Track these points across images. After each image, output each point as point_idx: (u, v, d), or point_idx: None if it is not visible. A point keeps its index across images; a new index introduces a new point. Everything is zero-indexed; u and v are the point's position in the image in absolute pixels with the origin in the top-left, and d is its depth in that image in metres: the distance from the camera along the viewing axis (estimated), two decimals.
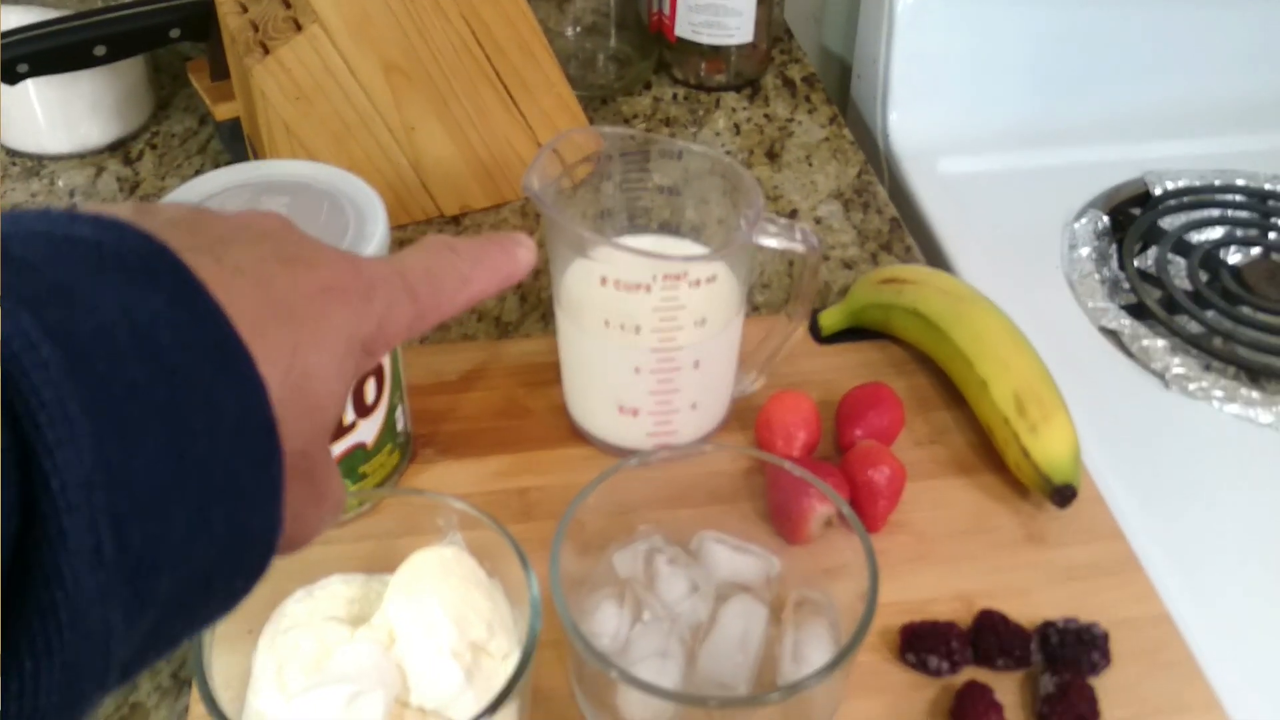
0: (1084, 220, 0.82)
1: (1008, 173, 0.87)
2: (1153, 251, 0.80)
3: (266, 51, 0.70)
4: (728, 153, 0.85)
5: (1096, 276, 0.78)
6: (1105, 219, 0.82)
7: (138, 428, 0.23)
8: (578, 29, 0.90)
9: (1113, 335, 0.73)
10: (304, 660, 0.45)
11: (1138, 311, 0.75)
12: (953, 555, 0.55)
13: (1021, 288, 0.76)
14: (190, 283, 0.25)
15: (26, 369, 0.21)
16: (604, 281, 0.53)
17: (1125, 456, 0.65)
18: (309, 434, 0.28)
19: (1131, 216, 0.83)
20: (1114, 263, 0.80)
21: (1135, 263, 0.80)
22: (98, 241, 0.25)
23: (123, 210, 0.28)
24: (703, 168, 0.58)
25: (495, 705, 0.42)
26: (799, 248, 0.56)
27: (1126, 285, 0.78)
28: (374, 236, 0.52)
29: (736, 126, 0.87)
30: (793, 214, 0.79)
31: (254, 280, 0.28)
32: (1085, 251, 0.79)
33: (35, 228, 0.25)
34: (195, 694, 0.50)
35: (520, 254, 0.36)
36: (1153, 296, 0.76)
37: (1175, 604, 0.56)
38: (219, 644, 0.46)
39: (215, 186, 0.55)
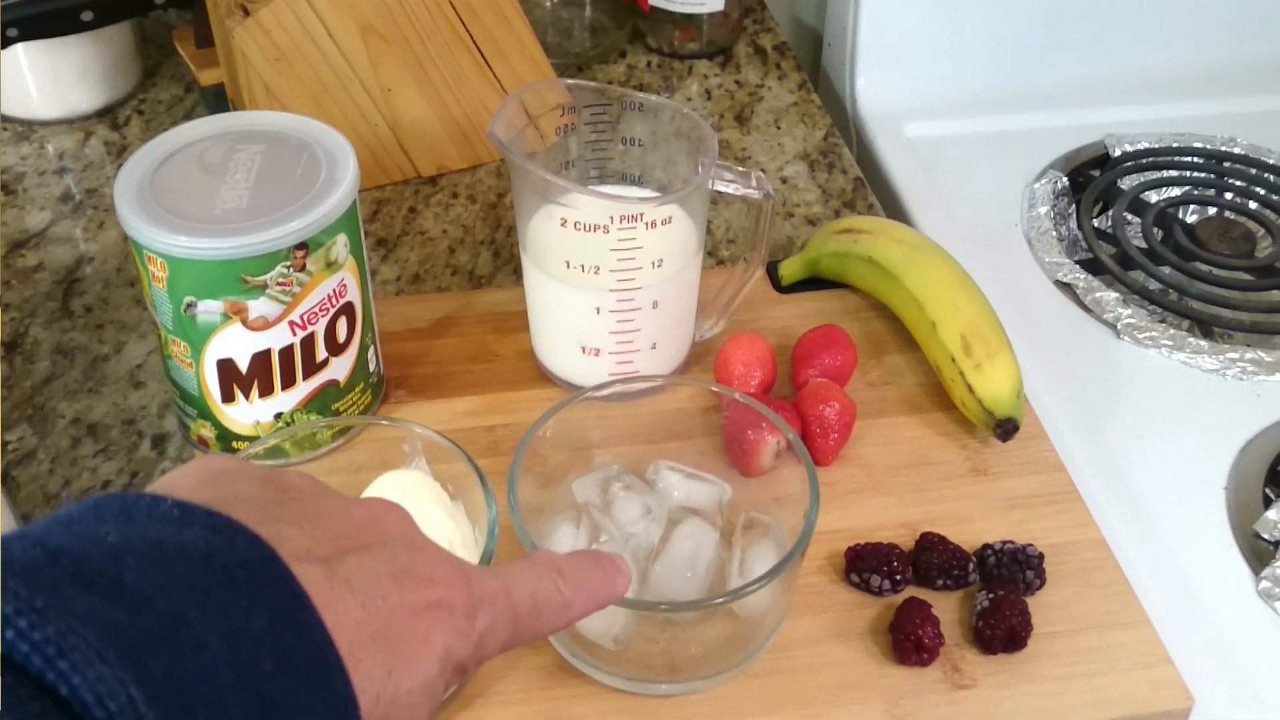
0: (1044, 181, 0.84)
1: (972, 136, 0.89)
2: (1111, 211, 0.82)
3: (247, 14, 0.72)
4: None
5: (1054, 234, 0.80)
6: (1064, 179, 0.84)
7: None
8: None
9: (1067, 288, 0.76)
10: None
11: (1093, 267, 0.78)
12: (899, 486, 0.58)
13: (981, 245, 0.79)
14: (296, 596, 0.26)
15: None
16: (564, 223, 0.56)
17: (1075, 399, 0.67)
18: None
19: (1091, 177, 0.86)
20: (1072, 221, 0.83)
21: (1093, 222, 0.82)
22: (208, 554, 0.26)
23: (240, 494, 0.29)
24: (664, 120, 0.61)
25: None
26: (754, 193, 0.59)
27: (1083, 243, 0.80)
28: (344, 181, 0.55)
29: (708, 92, 0.90)
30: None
31: (362, 598, 0.28)
32: (1044, 210, 0.82)
33: (150, 534, 0.26)
34: None
35: (619, 581, 0.37)
36: (1108, 253, 0.79)
37: (1113, 532, 0.58)
38: None
39: (195, 135, 0.57)
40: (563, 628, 0.36)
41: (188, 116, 0.86)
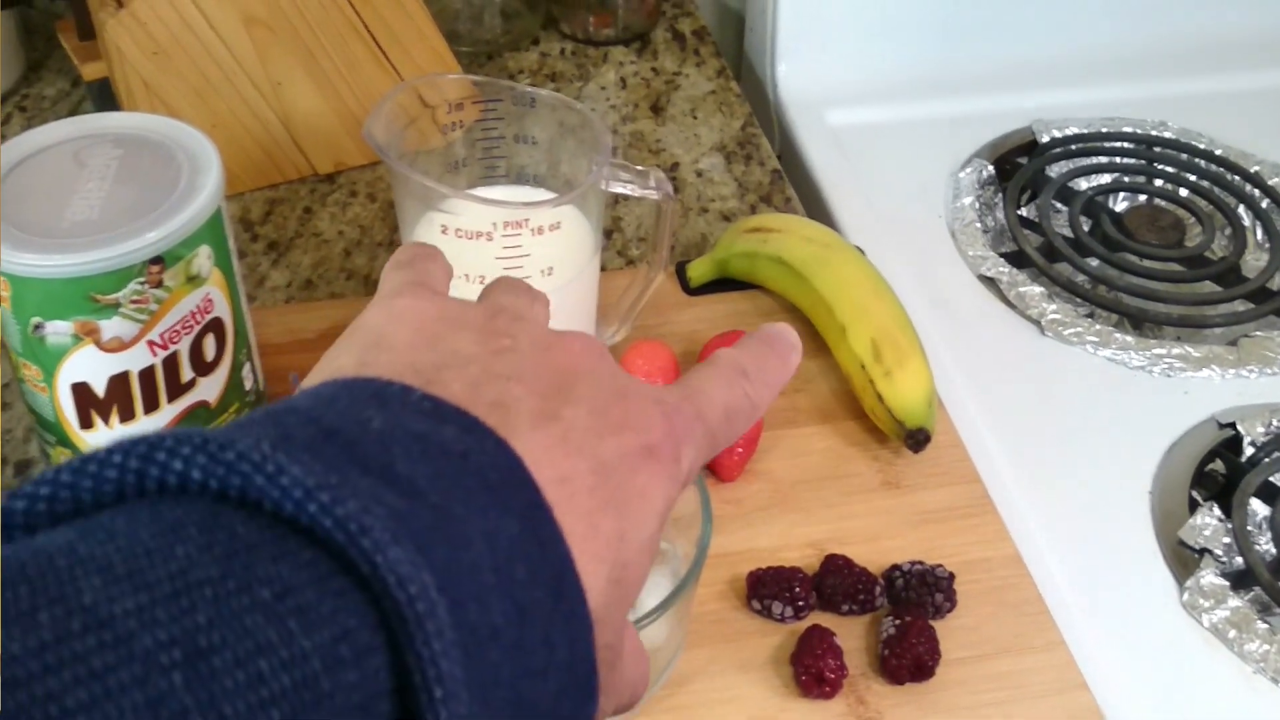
0: (969, 170, 0.81)
1: (896, 124, 0.86)
2: (1038, 200, 0.80)
3: (121, 5, 0.68)
4: (612, 107, 0.83)
5: (979, 225, 0.77)
6: (990, 168, 0.82)
7: (493, 676, 0.23)
8: None
9: (991, 283, 0.73)
10: None
11: (1017, 260, 0.75)
12: (807, 503, 0.55)
13: (903, 237, 0.76)
14: (540, 508, 0.26)
15: (428, 634, 0.21)
16: (445, 230, 0.52)
17: (996, 401, 0.65)
18: (618, 625, 0.28)
19: (1018, 165, 0.83)
20: (998, 211, 0.80)
21: (1019, 211, 0.80)
22: (464, 453, 0.25)
23: (462, 354, 0.29)
24: (559, 116, 0.57)
25: None
26: (653, 194, 0.56)
27: (1008, 234, 0.78)
28: (205, 188, 0.51)
29: (623, 81, 0.86)
30: (674, 167, 0.78)
31: (591, 462, 0.28)
32: (968, 200, 0.79)
33: (411, 425, 0.25)
34: None
35: (793, 359, 0.35)
36: (1033, 244, 0.76)
37: (1031, 542, 0.56)
38: None
39: (49, 139, 0.53)
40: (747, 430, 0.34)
41: (74, 113, 0.81)
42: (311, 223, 0.73)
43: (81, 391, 0.51)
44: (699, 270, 0.66)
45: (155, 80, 0.69)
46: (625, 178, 0.55)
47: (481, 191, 0.57)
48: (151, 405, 0.52)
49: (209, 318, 0.52)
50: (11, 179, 0.51)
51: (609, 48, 0.89)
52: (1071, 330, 0.69)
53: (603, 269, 0.61)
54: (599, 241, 0.57)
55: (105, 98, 0.78)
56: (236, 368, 0.55)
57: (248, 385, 0.57)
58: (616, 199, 0.74)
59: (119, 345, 0.50)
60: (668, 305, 0.65)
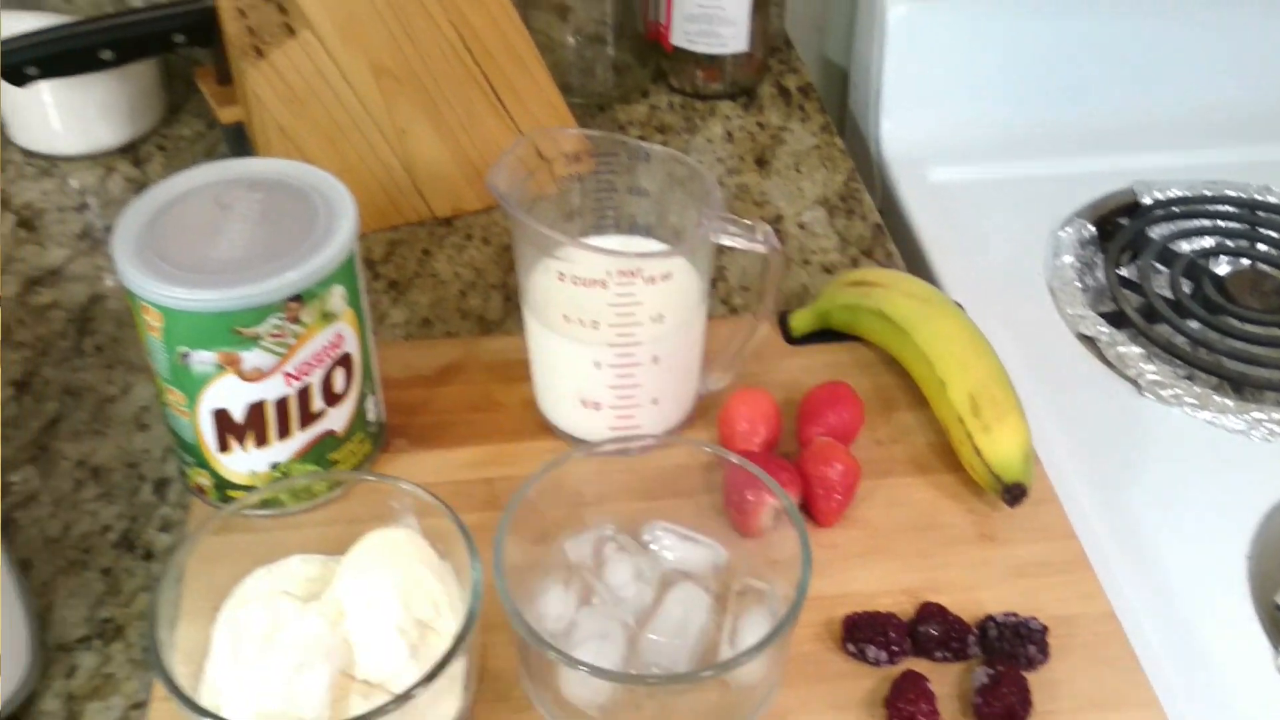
0: (1069, 229, 0.82)
1: (997, 181, 0.88)
2: (1138, 261, 0.81)
3: (261, 55, 0.72)
4: (718, 159, 0.86)
5: (1078, 284, 0.78)
6: (1091, 228, 0.82)
7: None
8: (578, 38, 0.92)
9: (1089, 341, 0.74)
10: (256, 633, 0.47)
11: (1117, 319, 0.76)
12: (903, 551, 0.56)
13: (1002, 294, 0.77)
14: None
15: None
16: (562, 278, 0.55)
17: (1092, 460, 0.66)
18: None
19: (1119, 225, 0.84)
20: (1098, 271, 0.81)
21: (1119, 271, 0.80)
22: None
23: None
24: (671, 170, 0.60)
25: (430, 676, 0.44)
26: (759, 247, 0.58)
27: (1108, 294, 0.79)
28: (341, 232, 0.54)
29: (729, 134, 0.89)
30: (777, 219, 0.80)
31: None
32: (1068, 259, 0.80)
33: None
34: None
35: None
36: (1133, 304, 0.77)
37: (1126, 602, 0.56)
38: (184, 619, 0.48)
39: (196, 182, 0.57)
40: None
41: (209, 153, 0.86)
42: (430, 264, 0.76)
43: (221, 417, 0.55)
44: (801, 321, 0.68)
45: (290, 126, 0.73)
46: (733, 230, 0.57)
47: (594, 240, 0.60)
48: (284, 432, 0.56)
49: (339, 353, 0.56)
50: (162, 219, 0.55)
51: (716, 102, 0.92)
52: (1170, 391, 0.70)
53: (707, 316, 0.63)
54: (706, 290, 0.59)
55: (239, 140, 0.83)
56: (362, 399, 0.58)
57: (370, 416, 0.60)
58: (722, 248, 0.76)
59: (258, 375, 0.53)
60: (770, 354, 0.67)
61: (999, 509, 0.58)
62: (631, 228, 0.62)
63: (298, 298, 0.52)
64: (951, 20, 0.88)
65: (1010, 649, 0.50)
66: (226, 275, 0.52)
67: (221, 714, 0.44)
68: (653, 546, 0.53)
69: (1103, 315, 0.76)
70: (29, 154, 0.85)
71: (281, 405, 0.55)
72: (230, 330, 0.52)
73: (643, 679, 0.47)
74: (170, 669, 0.45)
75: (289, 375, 0.54)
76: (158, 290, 0.51)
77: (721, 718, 0.49)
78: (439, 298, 0.74)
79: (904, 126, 0.90)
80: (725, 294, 0.74)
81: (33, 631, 0.52)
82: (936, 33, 0.88)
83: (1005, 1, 0.87)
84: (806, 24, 1.05)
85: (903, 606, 0.53)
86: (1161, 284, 0.80)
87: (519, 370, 0.65)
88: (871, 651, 0.51)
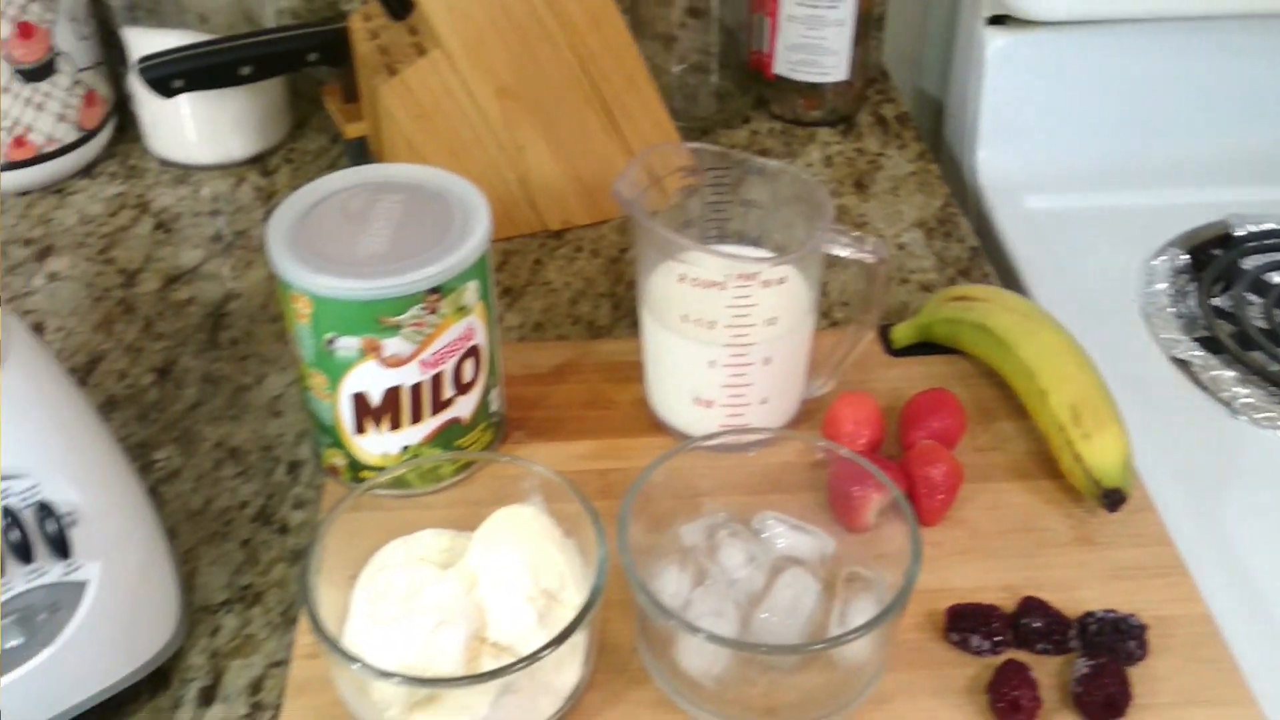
0: (1163, 258, 0.84)
1: (1092, 210, 0.90)
2: (1231, 291, 0.82)
3: (393, 73, 0.76)
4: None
5: (1171, 311, 0.80)
6: (1185, 257, 0.84)
7: None
8: (683, 66, 0.96)
9: (1183, 365, 0.75)
10: (396, 595, 0.50)
11: (1210, 345, 0.77)
12: (1003, 551, 0.58)
13: (1096, 319, 0.79)
14: None
15: None
16: (682, 279, 0.58)
17: (1187, 477, 0.67)
18: None
19: (1212, 256, 0.85)
20: (1191, 299, 0.82)
21: (1212, 301, 0.82)
22: None
23: None
24: (782, 184, 0.63)
25: (558, 640, 0.47)
26: (868, 258, 0.60)
27: (1202, 321, 0.80)
28: (477, 232, 0.58)
29: (828, 159, 0.92)
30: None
31: None
32: (1162, 287, 0.82)
33: None
34: (300, 628, 0.56)
35: None
36: (1227, 332, 0.78)
37: (1221, 610, 0.58)
38: (323, 587, 0.51)
39: (340, 185, 0.61)
40: None
41: (332, 166, 0.91)
42: (541, 273, 0.80)
43: (360, 401, 0.58)
44: (903, 333, 0.70)
45: (417, 140, 0.78)
46: (844, 241, 0.60)
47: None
48: (417, 416, 0.59)
49: (470, 344, 0.59)
50: (311, 216, 0.59)
51: (815, 128, 0.95)
52: (1264, 414, 0.71)
53: None
54: (816, 298, 0.62)
55: (362, 154, 0.87)
56: (487, 390, 0.62)
57: (493, 407, 0.63)
58: (829, 263, 0.79)
59: (396, 362, 0.57)
60: (872, 364, 0.69)
61: (1097, 515, 0.60)
62: (741, 238, 0.65)
63: (437, 290, 0.56)
64: (1049, 53, 0.90)
65: (1110, 643, 0.52)
66: (373, 267, 0.56)
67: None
68: (764, 535, 0.56)
69: (1196, 341, 0.77)
70: (165, 163, 0.91)
71: (416, 391, 0.58)
72: (375, 318, 0.56)
73: (756, 647, 0.50)
74: (320, 616, 0.48)
75: (424, 363, 0.58)
76: (311, 279, 0.55)
77: (828, 698, 0.51)
78: (550, 304, 0.77)
79: (1000, 155, 0.93)
80: (826, 308, 0.77)
81: (180, 593, 0.56)
82: (1034, 65, 0.91)
83: (1102, 35, 0.90)
84: (902, 58, 1.08)
85: (1003, 602, 0.55)
86: (1255, 313, 0.81)
87: (630, 371, 0.68)
88: (974, 641, 0.53)
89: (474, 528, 0.54)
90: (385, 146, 0.80)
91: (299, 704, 0.52)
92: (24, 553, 0.48)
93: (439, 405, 0.60)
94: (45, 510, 0.49)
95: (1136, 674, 0.52)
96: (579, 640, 0.50)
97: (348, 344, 0.56)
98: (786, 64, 0.93)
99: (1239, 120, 0.92)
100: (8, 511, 0.48)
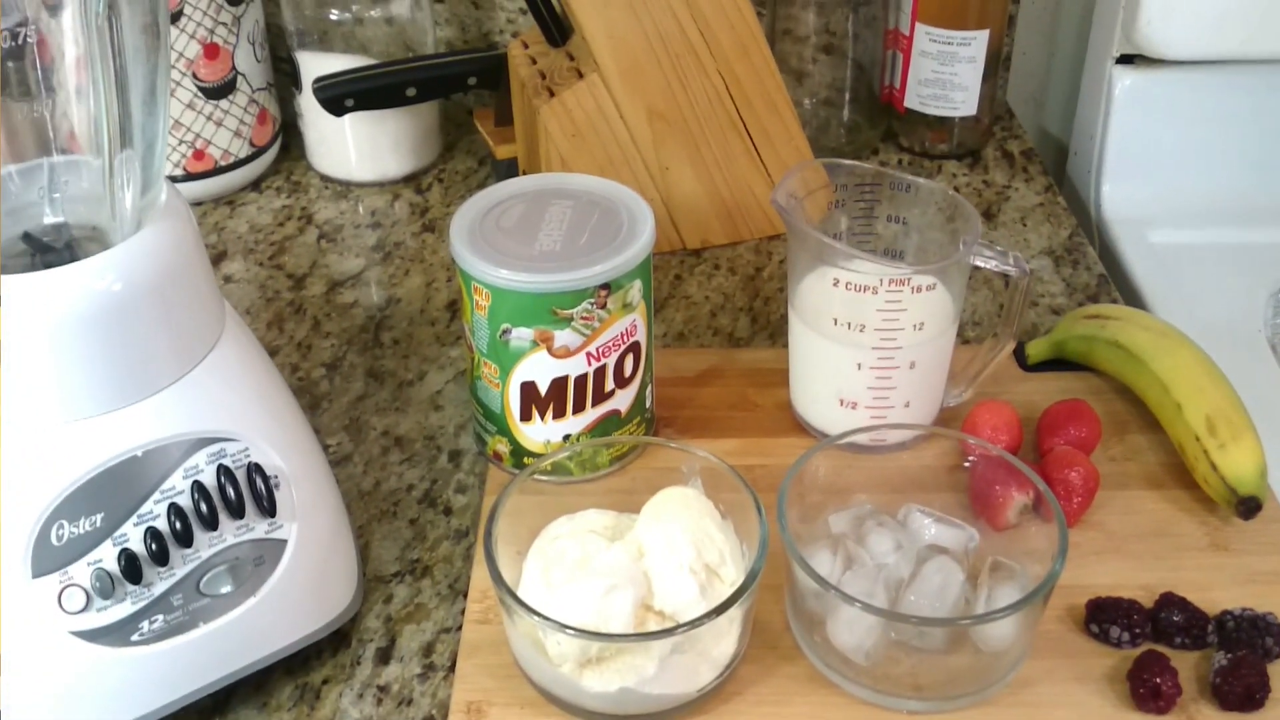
0: None
1: (1216, 246, 0.91)
2: None
3: (552, 95, 0.82)
4: None
5: None
6: None
7: None
8: (815, 100, 1.00)
9: None
10: (568, 561, 0.54)
11: None
12: (1139, 553, 0.61)
13: (1224, 347, 0.80)
14: None
15: None
16: (836, 283, 0.62)
17: None
18: None
19: None
20: None
21: None
22: None
23: None
24: (929, 199, 0.66)
25: (719, 610, 0.50)
26: (1011, 270, 0.63)
27: None
28: (643, 235, 0.62)
29: (956, 189, 0.95)
30: None
31: None
32: None
33: None
34: (472, 595, 0.60)
35: None
36: None
37: None
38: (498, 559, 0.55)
39: (513, 191, 0.66)
40: None
41: (480, 186, 0.96)
42: (681, 288, 0.84)
43: (528, 389, 0.63)
44: (1037, 349, 0.73)
45: (570, 156, 0.82)
46: (989, 254, 0.63)
47: None
48: (580, 407, 0.63)
49: (632, 340, 0.63)
50: (489, 216, 0.64)
51: (943, 161, 0.98)
52: None
53: None
54: (960, 308, 0.65)
55: (510, 175, 0.92)
56: (643, 386, 0.66)
57: (647, 403, 0.67)
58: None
59: (565, 353, 0.61)
60: (1007, 378, 0.72)
61: (1231, 523, 0.62)
62: (886, 251, 0.68)
63: (606, 286, 0.60)
64: (1176, 91, 0.93)
65: (1248, 639, 0.54)
66: (548, 263, 0.60)
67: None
68: (909, 525, 0.59)
69: None
70: (326, 178, 0.97)
71: (581, 382, 0.63)
72: (549, 310, 0.60)
73: (907, 618, 0.52)
74: (501, 572, 0.52)
75: (590, 355, 0.62)
76: (491, 272, 0.60)
77: (972, 680, 0.53)
78: (691, 316, 0.81)
79: (1125, 190, 0.95)
80: (960, 327, 0.79)
81: (359, 563, 0.60)
82: (1161, 103, 0.93)
83: (1228, 75, 0.92)
84: (1026, 97, 1.11)
85: (1140, 598, 0.57)
86: None
87: (773, 377, 0.72)
88: (1114, 632, 0.55)
89: (631, 508, 0.58)
90: (540, 164, 0.85)
91: (471, 664, 0.56)
92: (237, 508, 0.53)
93: (600, 397, 0.64)
94: (256, 471, 0.54)
95: (1273, 670, 0.54)
96: (737, 613, 0.53)
97: (522, 334, 0.61)
98: (917, 98, 0.97)
99: None
100: (224, 470, 0.53)
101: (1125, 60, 0.94)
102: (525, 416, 0.64)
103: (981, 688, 0.53)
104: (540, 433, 0.64)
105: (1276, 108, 0.93)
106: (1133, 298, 0.87)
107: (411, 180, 0.97)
